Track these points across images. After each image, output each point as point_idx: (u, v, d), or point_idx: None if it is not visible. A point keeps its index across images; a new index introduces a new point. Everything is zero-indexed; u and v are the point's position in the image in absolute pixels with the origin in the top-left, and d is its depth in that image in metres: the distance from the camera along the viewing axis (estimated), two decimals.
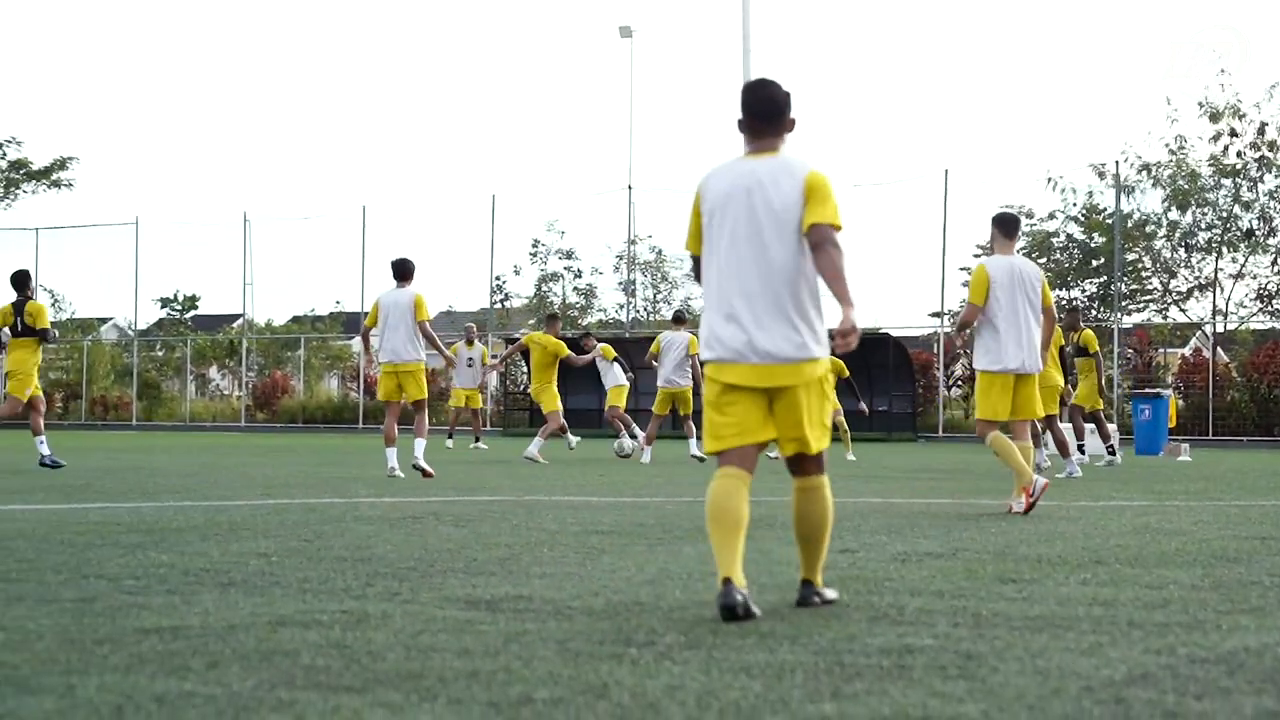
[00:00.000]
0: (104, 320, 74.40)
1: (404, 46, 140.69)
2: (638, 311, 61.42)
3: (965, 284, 52.57)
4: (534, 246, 61.06)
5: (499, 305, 60.35)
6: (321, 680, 5.28)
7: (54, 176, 66.59)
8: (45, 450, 21.03)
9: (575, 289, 61.99)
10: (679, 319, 27.48)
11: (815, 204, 7.19)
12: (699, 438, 21.90)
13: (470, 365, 33.75)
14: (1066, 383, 23.25)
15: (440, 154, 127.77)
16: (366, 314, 20.13)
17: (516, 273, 60.44)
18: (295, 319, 69.65)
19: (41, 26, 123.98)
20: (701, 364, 7.62)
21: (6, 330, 21.87)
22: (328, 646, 5.93)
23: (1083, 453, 22.84)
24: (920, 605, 7.30)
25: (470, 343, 34.09)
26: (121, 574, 8.17)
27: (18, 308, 22.03)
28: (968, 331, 14.42)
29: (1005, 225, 13.93)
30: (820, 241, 7.15)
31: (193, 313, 72.43)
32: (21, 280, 22.42)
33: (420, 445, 19.34)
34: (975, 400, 13.85)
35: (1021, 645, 6.11)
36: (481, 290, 59.16)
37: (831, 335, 7.09)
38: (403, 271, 19.89)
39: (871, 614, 7.00)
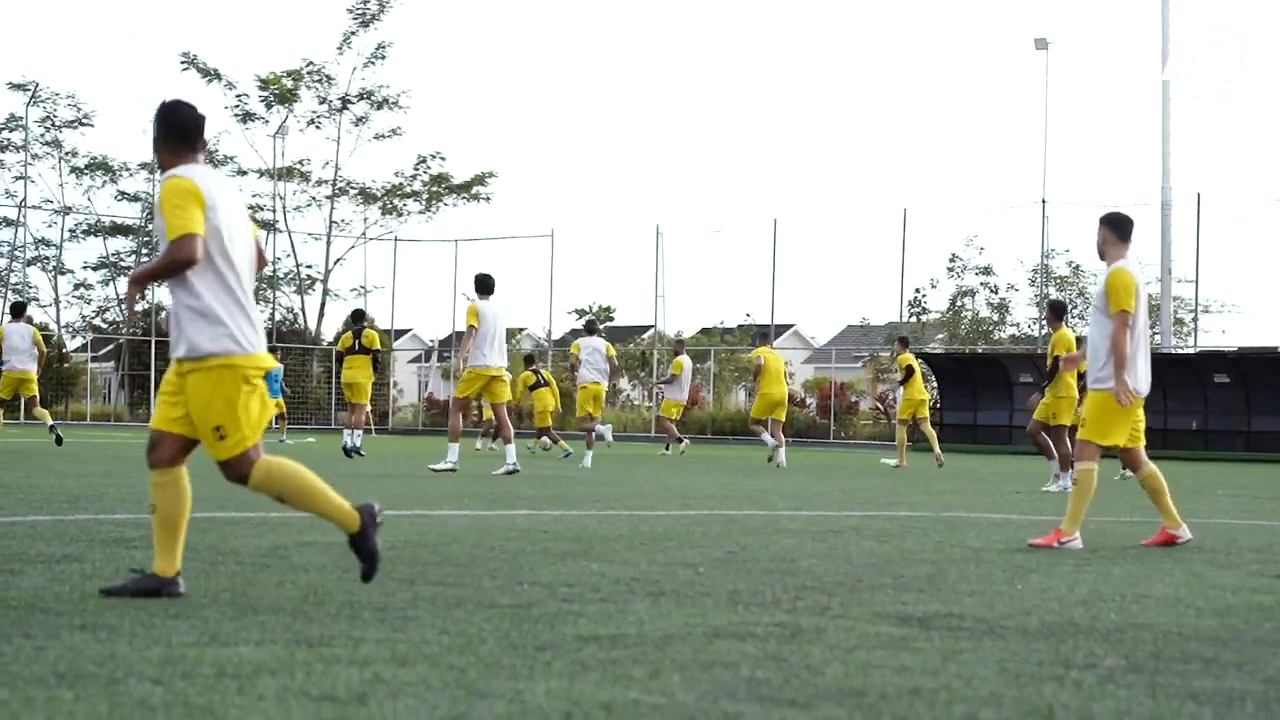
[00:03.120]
0: (519, 330, 76.24)
1: (814, 60, 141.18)
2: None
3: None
4: (951, 261, 60.71)
5: (913, 319, 60.10)
6: (764, 693, 5.28)
7: (474, 190, 68.48)
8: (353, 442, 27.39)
9: (989, 304, 61.39)
10: (591, 327, 30.90)
11: None
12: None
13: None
14: None
15: (851, 167, 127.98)
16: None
17: (934, 286, 60.18)
18: (704, 330, 70.44)
19: (459, 47, 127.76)
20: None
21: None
22: (765, 659, 5.93)
23: None
24: None
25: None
26: (555, 581, 8.31)
27: (356, 333, 28.60)
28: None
29: (1118, 227, 12.11)
30: None
31: (606, 324, 73.84)
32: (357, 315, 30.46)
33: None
34: (1087, 418, 11.98)
35: None
36: (891, 304, 59.03)
37: None
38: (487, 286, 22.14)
39: None
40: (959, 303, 60.93)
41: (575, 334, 73.95)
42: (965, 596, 8.12)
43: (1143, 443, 12.10)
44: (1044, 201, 54.63)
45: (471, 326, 21.69)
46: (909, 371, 30.75)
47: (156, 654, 5.71)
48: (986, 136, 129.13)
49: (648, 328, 67.13)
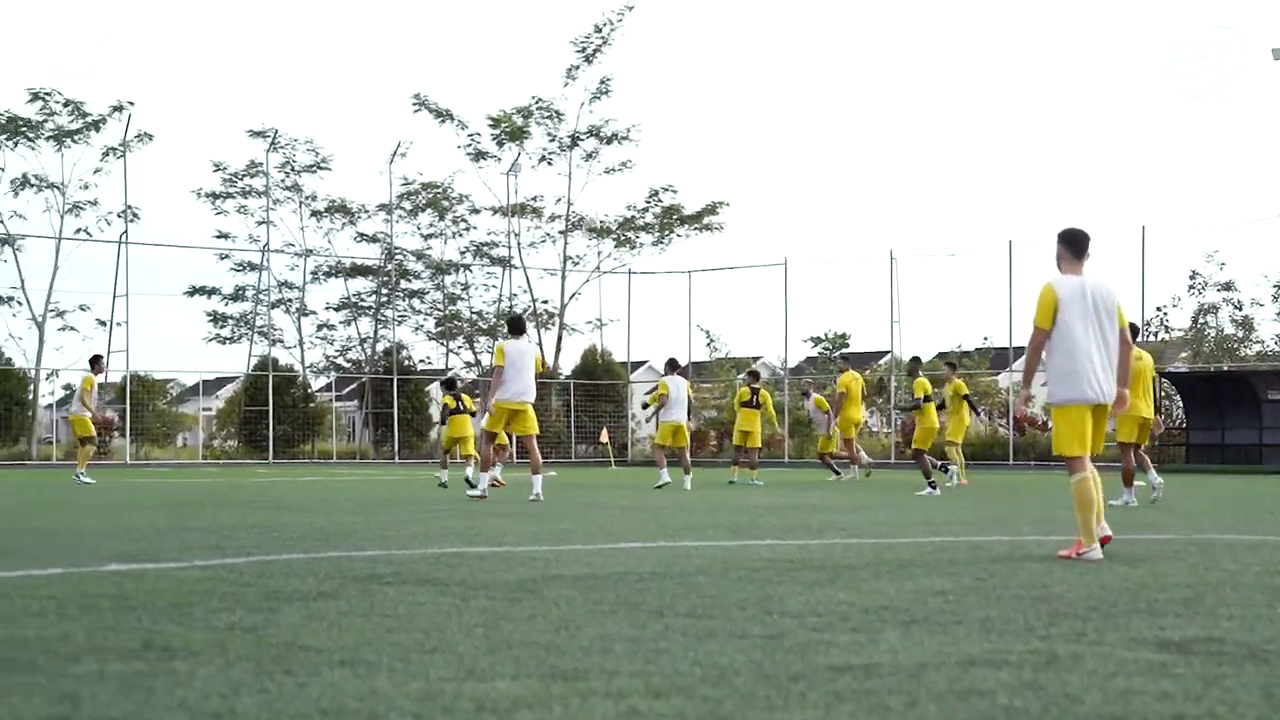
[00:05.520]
0: (755, 358, 76.25)
1: (1048, 78, 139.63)
2: None
3: None
4: (1192, 278, 59.71)
5: (1155, 337, 59.14)
6: None
7: (705, 221, 68.68)
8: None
9: (1232, 320, 60.21)
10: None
11: None
12: None
13: None
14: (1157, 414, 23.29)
15: (1087, 186, 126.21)
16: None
17: (1175, 305, 59.21)
18: (941, 354, 69.82)
19: (686, 77, 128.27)
20: None
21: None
22: (1022, 687, 5.85)
23: None
24: None
25: None
26: (804, 611, 8.28)
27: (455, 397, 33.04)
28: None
29: (1073, 243, 12.39)
30: None
31: (842, 350, 73.54)
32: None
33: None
34: (1055, 435, 12.30)
35: None
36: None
37: None
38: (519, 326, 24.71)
39: None
40: (1201, 320, 59.88)
41: (810, 361, 73.99)
42: (1224, 620, 7.95)
43: (1096, 451, 12.34)
44: None
45: (499, 366, 23.85)
46: (924, 399, 31.56)
47: (415, 689, 5.78)
48: (1225, 150, 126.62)
49: (885, 353, 66.80)
